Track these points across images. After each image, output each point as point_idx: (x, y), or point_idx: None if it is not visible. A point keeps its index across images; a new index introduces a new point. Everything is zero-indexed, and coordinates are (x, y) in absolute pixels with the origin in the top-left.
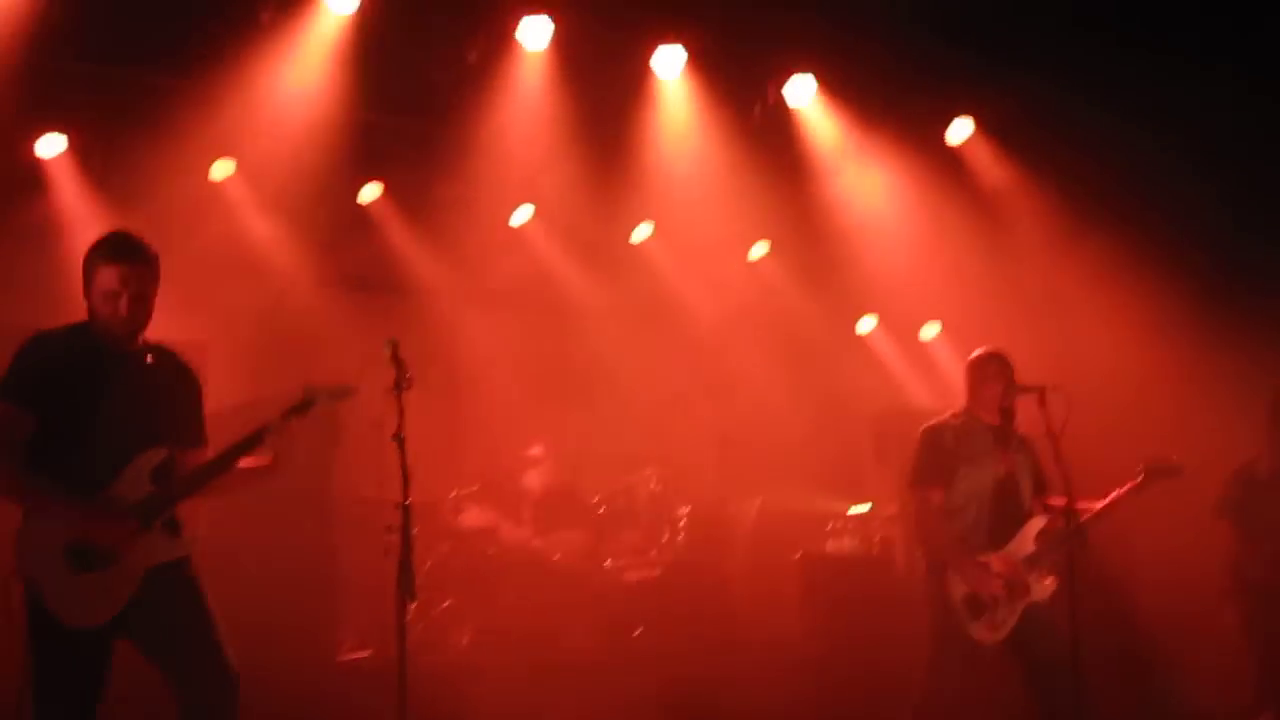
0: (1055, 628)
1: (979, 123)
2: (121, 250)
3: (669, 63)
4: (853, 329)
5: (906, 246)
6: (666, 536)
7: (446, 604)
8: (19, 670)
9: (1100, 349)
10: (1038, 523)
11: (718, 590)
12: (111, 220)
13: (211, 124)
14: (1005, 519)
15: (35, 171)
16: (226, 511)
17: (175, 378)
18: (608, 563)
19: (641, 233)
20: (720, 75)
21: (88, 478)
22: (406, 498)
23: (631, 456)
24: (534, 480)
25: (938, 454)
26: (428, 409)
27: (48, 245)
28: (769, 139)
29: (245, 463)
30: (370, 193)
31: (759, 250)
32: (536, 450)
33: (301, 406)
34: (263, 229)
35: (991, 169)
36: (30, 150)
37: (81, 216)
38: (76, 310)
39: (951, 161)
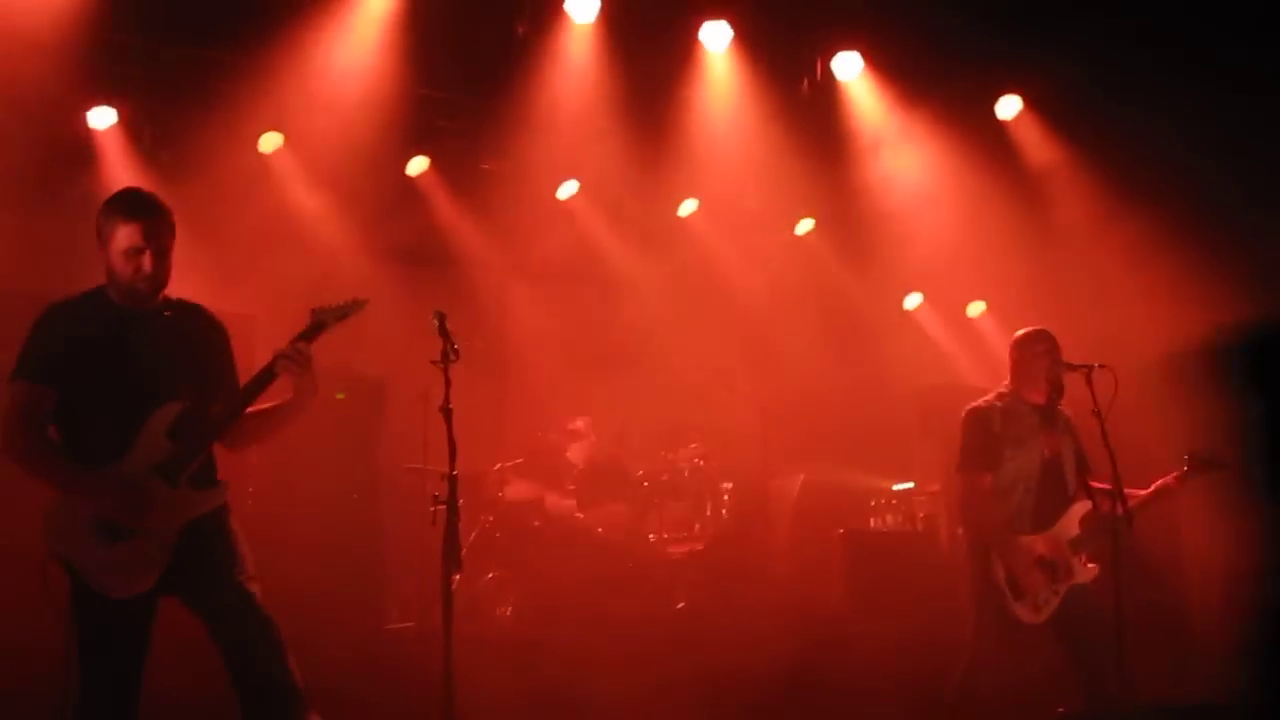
0: (1099, 609)
1: (1026, 99)
2: (140, 206)
3: (716, 37)
4: (898, 305)
5: (952, 223)
6: (710, 510)
7: (490, 575)
8: (62, 647)
9: (1141, 329)
10: (1083, 506)
11: (760, 565)
12: (162, 193)
13: (261, 98)
14: (1050, 500)
15: (87, 143)
16: (273, 481)
17: (198, 331)
18: (651, 536)
19: (687, 207)
20: (766, 51)
21: (111, 444)
22: (453, 469)
23: (676, 431)
24: (578, 454)
25: (985, 437)
26: (473, 382)
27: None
28: (815, 115)
29: (266, 404)
30: (418, 166)
31: (805, 226)
32: (581, 424)
33: (311, 330)
34: (311, 202)
35: (1038, 146)
36: (83, 122)
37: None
38: None
39: (998, 139)
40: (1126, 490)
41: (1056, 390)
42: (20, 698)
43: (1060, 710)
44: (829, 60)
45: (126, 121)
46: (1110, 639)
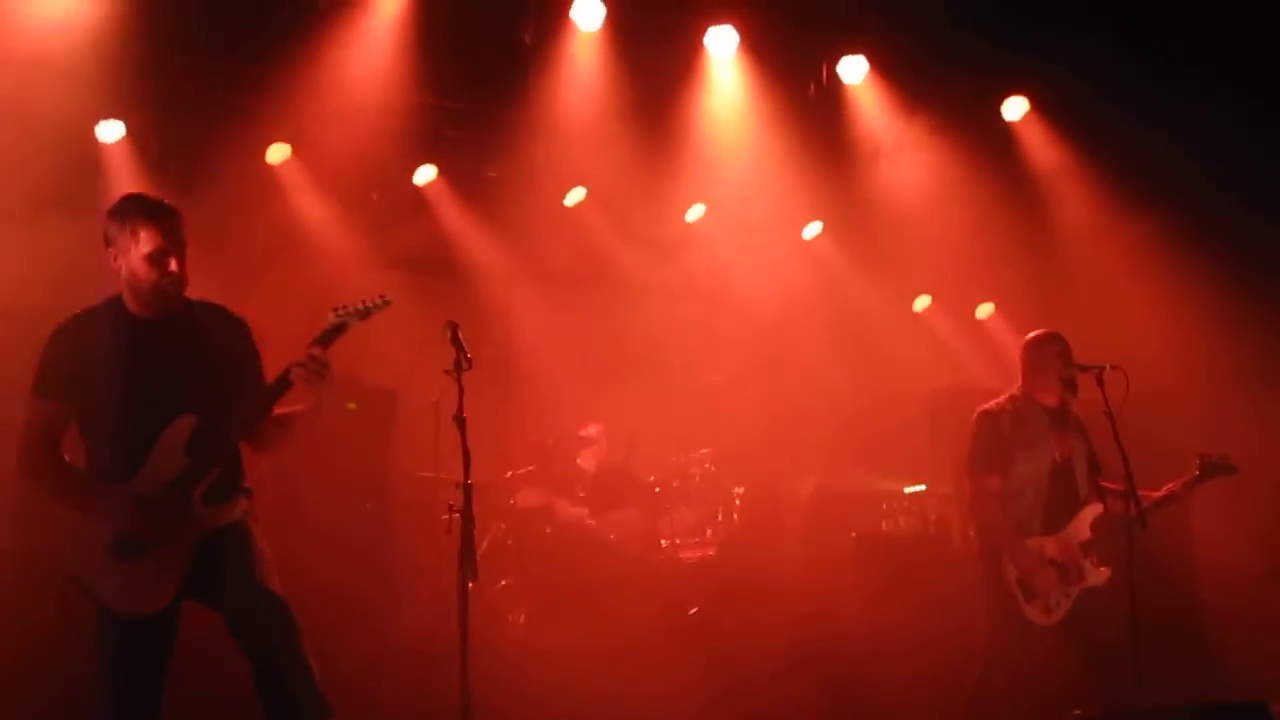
0: (1111, 611)
1: (1032, 102)
2: (158, 209)
3: (722, 42)
4: (908, 308)
5: (960, 225)
6: (721, 516)
7: (503, 583)
8: (81, 662)
9: (1143, 330)
10: (1094, 509)
11: (773, 569)
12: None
13: (268, 109)
14: (1061, 503)
15: (96, 157)
16: (286, 491)
17: (218, 335)
18: (663, 542)
19: (695, 212)
20: (772, 55)
21: (126, 459)
22: (468, 477)
23: (686, 436)
24: (589, 460)
25: (995, 440)
26: (482, 389)
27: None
28: (822, 119)
29: (286, 410)
30: (425, 174)
31: (813, 229)
32: (592, 430)
33: (331, 332)
34: (319, 212)
35: (1044, 148)
36: (92, 136)
37: None
38: None
39: (1004, 141)
40: (1141, 492)
41: (1068, 392)
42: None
43: (1075, 713)
44: (835, 64)
45: (134, 134)
46: (1124, 641)
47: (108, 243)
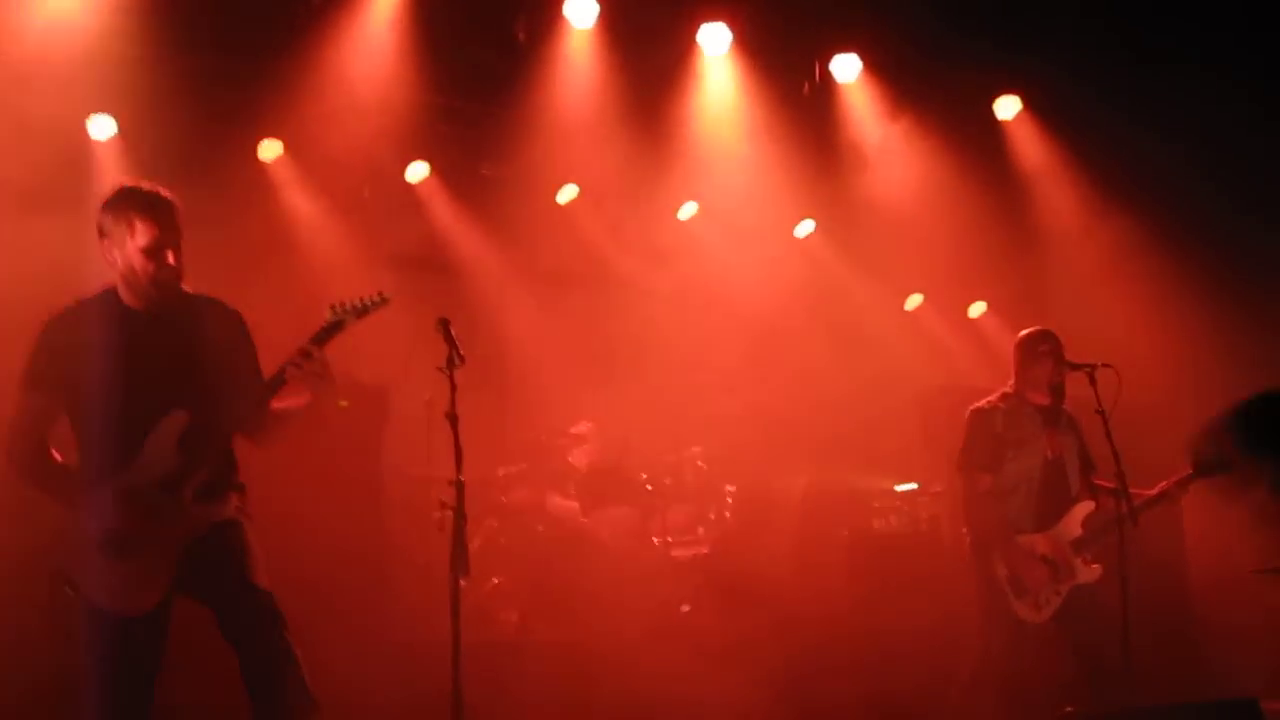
0: (1102, 607)
1: (1025, 100)
2: (154, 202)
3: (715, 40)
4: (899, 306)
5: (951, 224)
6: (714, 514)
7: (495, 581)
8: (65, 660)
9: (1136, 328)
10: (1085, 507)
11: (765, 567)
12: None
13: (260, 105)
14: (1052, 501)
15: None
16: (276, 490)
17: (213, 329)
18: (655, 540)
19: (687, 210)
20: (765, 53)
21: (117, 455)
22: (460, 474)
23: (678, 434)
24: (581, 458)
25: (987, 439)
26: (474, 387)
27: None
28: (815, 117)
29: (282, 405)
30: (418, 172)
31: (805, 228)
32: (584, 428)
33: (328, 330)
34: (310, 210)
35: (1035, 147)
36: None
37: None
38: None
39: (996, 140)
40: (1134, 490)
41: (1056, 395)
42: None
43: (1067, 710)
44: (828, 62)
45: (125, 131)
46: (1115, 638)
47: (102, 234)
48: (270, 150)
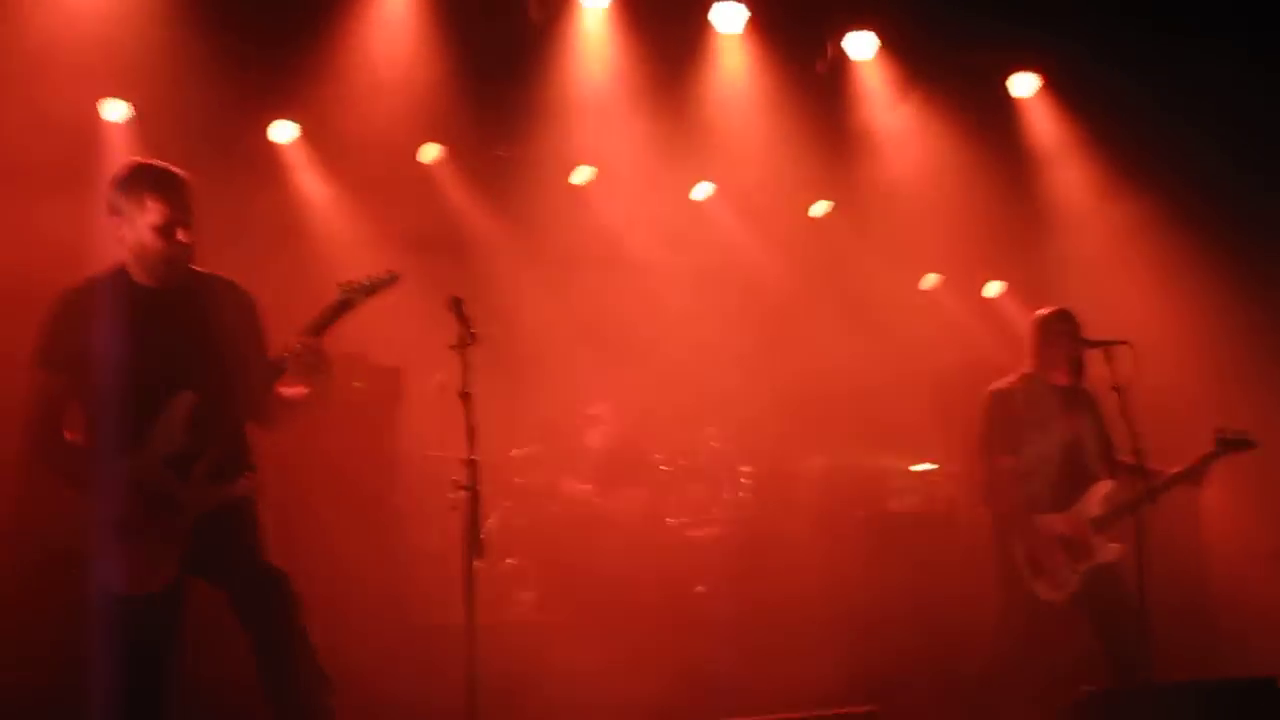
0: (1123, 588)
1: (1043, 77)
2: (166, 178)
3: (730, 18)
4: (915, 285)
5: (967, 203)
6: (729, 494)
7: (509, 562)
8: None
9: (1155, 306)
10: (1104, 485)
11: (780, 547)
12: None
13: (274, 87)
14: (1071, 481)
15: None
16: (290, 472)
17: (225, 310)
18: (670, 520)
19: (703, 190)
20: (781, 31)
21: (128, 434)
22: (473, 453)
23: (693, 414)
24: (596, 438)
25: (1007, 420)
26: (489, 368)
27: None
28: (831, 96)
29: (288, 393)
30: (431, 153)
31: (820, 207)
32: (600, 409)
33: (337, 308)
34: (324, 191)
35: (1052, 125)
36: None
37: None
38: None
39: (1013, 117)
40: (1155, 468)
41: (1075, 373)
42: (36, 697)
43: (1086, 689)
44: (843, 40)
45: (139, 113)
46: (1135, 618)
47: (114, 211)
48: (285, 132)
